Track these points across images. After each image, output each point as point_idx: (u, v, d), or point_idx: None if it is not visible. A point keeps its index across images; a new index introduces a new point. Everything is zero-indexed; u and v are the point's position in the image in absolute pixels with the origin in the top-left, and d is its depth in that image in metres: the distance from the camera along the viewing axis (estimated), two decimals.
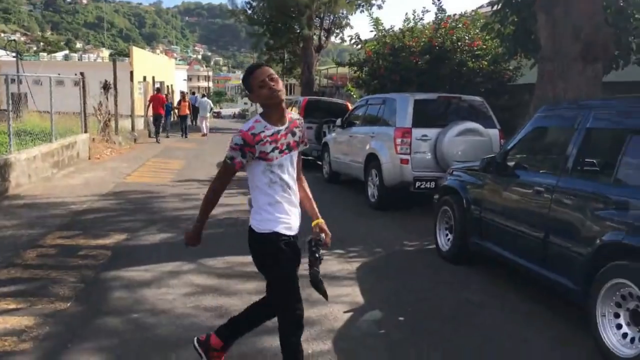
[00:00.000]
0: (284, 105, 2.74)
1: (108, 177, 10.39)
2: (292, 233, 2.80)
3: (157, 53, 59.64)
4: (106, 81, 14.87)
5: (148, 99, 19.75)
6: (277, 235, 2.73)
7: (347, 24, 30.83)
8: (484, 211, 5.19)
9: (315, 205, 3.02)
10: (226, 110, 70.02)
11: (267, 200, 2.74)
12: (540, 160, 4.86)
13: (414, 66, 11.63)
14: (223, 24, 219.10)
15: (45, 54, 54.41)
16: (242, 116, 59.31)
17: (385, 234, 6.95)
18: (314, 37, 29.08)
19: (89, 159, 12.48)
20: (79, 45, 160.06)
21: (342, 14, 30.29)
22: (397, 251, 6.19)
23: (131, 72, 18.41)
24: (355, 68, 13.24)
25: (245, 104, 71.85)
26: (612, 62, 9.18)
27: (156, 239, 6.27)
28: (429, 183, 7.86)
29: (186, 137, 20.82)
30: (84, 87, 12.37)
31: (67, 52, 58.22)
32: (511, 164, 5.04)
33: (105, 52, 79.27)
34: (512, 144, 5.10)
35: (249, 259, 2.95)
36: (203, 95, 33.50)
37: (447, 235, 5.95)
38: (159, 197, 8.72)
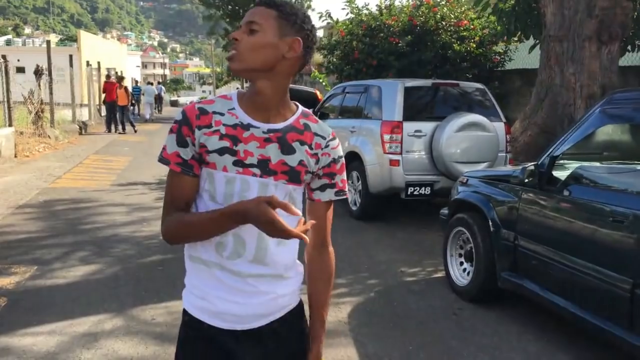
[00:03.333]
0: (262, 84, 1.41)
1: (32, 181, 8.62)
2: (232, 326, 1.46)
3: (109, 39, 56.64)
4: (38, 66, 12.92)
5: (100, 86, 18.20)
6: (189, 318, 1.51)
7: (309, 6, 29.35)
8: (522, 238, 3.81)
9: (324, 318, 1.62)
10: (184, 99, 67.40)
11: (190, 252, 1.50)
12: (615, 172, 3.49)
13: (393, 48, 10.20)
14: (179, 10, 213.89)
15: None
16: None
17: (377, 255, 5.52)
18: None
19: (15, 157, 10.63)
20: (27, 30, 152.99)
21: None
22: (397, 284, 4.76)
23: (70, 56, 16.36)
24: (325, 52, 11.73)
25: (204, 92, 69.40)
26: (628, 42, 7.96)
27: (76, 275, 4.66)
28: (424, 189, 6.46)
29: (123, 131, 17.57)
30: (6, 73, 10.48)
31: (9, 37, 54.12)
32: (560, 174, 3.68)
33: (53, 38, 74.94)
34: (562, 148, 3.72)
35: None
36: (149, 83, 33.26)
37: (462, 264, 4.56)
38: (91, 208, 7.05)
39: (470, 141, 6.35)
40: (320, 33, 22.71)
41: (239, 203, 1.31)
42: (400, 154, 6.40)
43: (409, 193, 6.43)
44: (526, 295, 3.82)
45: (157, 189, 8.43)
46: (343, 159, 1.56)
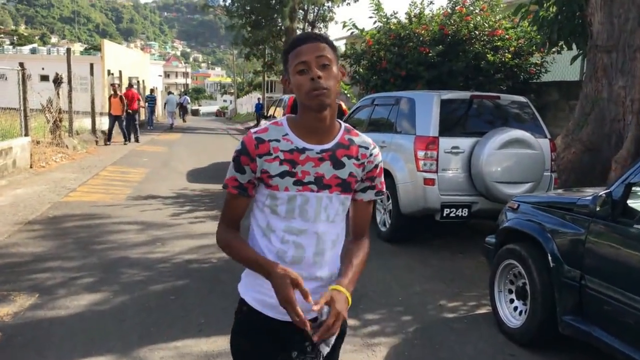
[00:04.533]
0: (327, 112, 1.61)
1: (45, 194, 8.25)
2: (285, 318, 1.60)
3: (133, 48, 57.01)
4: (57, 74, 12.65)
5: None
6: (248, 308, 1.71)
7: (332, 18, 29.06)
8: (591, 278, 3.25)
9: (353, 267, 1.71)
10: (205, 108, 67.51)
11: None
12: None
13: (423, 59, 9.68)
14: (202, 20, 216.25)
15: (10, 47, 51.21)
16: (221, 114, 57.01)
17: (411, 285, 4.98)
18: (297, 30, 27.19)
19: (31, 167, 10.31)
20: (54, 39, 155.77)
21: (327, 6, 28.47)
22: (437, 321, 4.21)
23: (91, 65, 16.08)
24: (351, 61, 11.24)
25: (225, 101, 69.47)
26: None
27: (80, 305, 4.20)
28: (461, 210, 5.92)
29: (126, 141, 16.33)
30: (23, 82, 10.19)
31: (35, 45, 54.78)
32: (636, 204, 3.14)
33: (77, 47, 75.84)
34: None
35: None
36: (169, 92, 33.89)
37: (512, 301, 4.01)
38: (103, 226, 6.63)
39: (513, 159, 5.80)
40: (341, 43, 22.28)
41: (270, 265, 1.57)
42: (436, 172, 5.87)
43: (444, 215, 5.89)
44: (594, 344, 3.27)
45: (173, 204, 8.00)
46: (382, 163, 1.79)
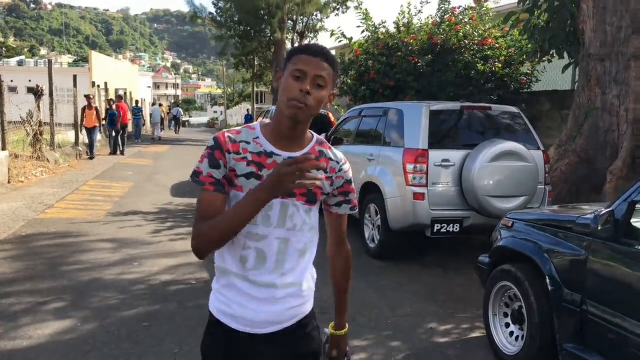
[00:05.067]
0: (300, 126, 1.63)
1: (21, 211, 7.92)
2: (247, 329, 1.64)
3: (122, 60, 56.63)
4: (37, 86, 12.32)
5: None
6: (213, 318, 1.70)
7: (322, 28, 28.95)
8: (593, 303, 3.00)
9: (346, 299, 1.89)
10: (196, 119, 67.08)
11: (218, 263, 1.69)
12: None
13: (412, 69, 9.48)
14: (192, 32, 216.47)
15: None
16: (210, 125, 56.70)
17: (401, 306, 4.71)
18: (287, 41, 27.07)
19: (9, 182, 9.96)
20: (43, 52, 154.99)
21: (316, 16, 28.39)
22: (428, 347, 3.94)
23: (74, 77, 15.73)
24: (339, 72, 11.02)
25: (215, 112, 69.17)
26: None
27: (44, 334, 3.89)
28: (452, 226, 5.67)
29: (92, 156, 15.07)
30: (0, 93, 9.85)
31: (22, 57, 54.12)
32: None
33: (65, 58, 75.24)
34: None
35: None
36: (153, 104, 34.07)
37: (508, 326, 3.75)
38: (78, 245, 6.32)
39: (506, 172, 5.57)
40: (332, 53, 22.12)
41: (252, 191, 1.53)
42: (426, 186, 5.63)
43: (435, 231, 5.64)
44: None
45: (154, 220, 7.70)
46: (352, 178, 1.79)
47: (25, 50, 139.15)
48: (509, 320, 3.75)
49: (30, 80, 27.42)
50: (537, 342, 3.37)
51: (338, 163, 1.73)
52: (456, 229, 5.68)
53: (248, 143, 1.63)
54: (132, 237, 6.72)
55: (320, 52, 1.60)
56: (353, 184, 1.79)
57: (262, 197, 1.48)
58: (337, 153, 1.75)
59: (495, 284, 3.83)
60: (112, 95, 21.83)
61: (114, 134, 16.62)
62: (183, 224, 7.60)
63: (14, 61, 51.37)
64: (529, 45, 8.33)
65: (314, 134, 1.72)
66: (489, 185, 5.52)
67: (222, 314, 1.66)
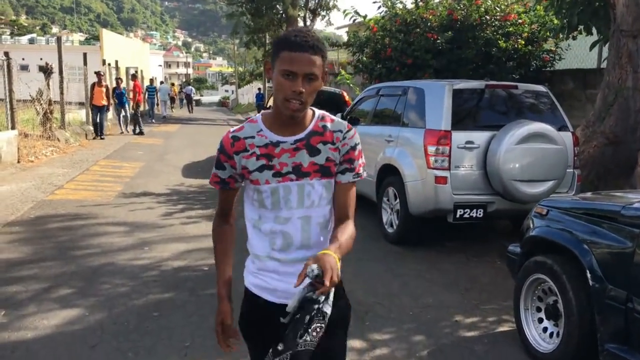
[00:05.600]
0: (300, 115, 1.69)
1: (30, 192, 7.76)
2: (284, 300, 1.62)
3: (133, 38, 56.29)
4: (46, 64, 12.11)
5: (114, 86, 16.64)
6: (250, 292, 1.81)
7: (335, 5, 28.38)
8: (639, 301, 2.75)
9: (338, 240, 1.64)
10: (207, 98, 66.78)
11: (250, 246, 1.83)
12: None
13: (430, 46, 9.13)
14: (203, 10, 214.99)
15: (8, 37, 50.55)
16: (222, 104, 56.38)
17: (422, 296, 4.49)
18: (299, 18, 26.58)
19: (18, 162, 9.82)
20: (55, 30, 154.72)
21: None
22: (454, 342, 3.71)
23: (84, 54, 15.51)
24: (354, 49, 10.69)
25: (226, 91, 68.78)
26: None
27: (50, 325, 3.72)
28: (475, 211, 5.41)
29: (101, 136, 14.72)
30: (9, 72, 9.65)
31: (33, 35, 53.74)
32: None
33: (76, 36, 74.89)
34: None
35: None
36: (161, 82, 33.92)
37: (541, 321, 3.51)
38: (87, 227, 6.14)
39: (534, 155, 5.28)
40: (344, 31, 21.65)
41: (220, 294, 1.79)
42: (448, 169, 5.36)
43: (457, 216, 5.38)
44: None
45: (165, 202, 7.51)
46: (360, 145, 1.79)
47: (37, 28, 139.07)
48: (542, 315, 3.51)
49: (41, 59, 27.14)
50: (575, 340, 3.13)
51: (341, 132, 1.75)
52: (479, 214, 5.41)
53: (253, 138, 1.71)
54: (143, 220, 6.53)
55: (305, 45, 1.58)
56: (359, 150, 1.78)
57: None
58: (340, 122, 1.78)
59: (527, 276, 3.58)
60: (122, 74, 21.64)
61: (122, 113, 16.39)
62: (195, 206, 7.40)
63: (25, 39, 51.21)
64: (556, 21, 7.95)
65: (315, 109, 1.76)
66: (515, 168, 5.23)
67: (258, 289, 1.77)
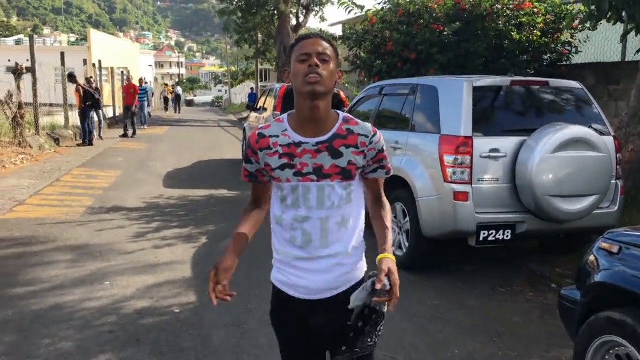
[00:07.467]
0: (320, 103, 1.74)
1: None
2: (304, 296, 1.84)
3: (123, 38, 55.21)
4: (17, 65, 11.13)
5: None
6: (276, 288, 1.93)
7: (328, 1, 27.50)
8: None
9: (388, 235, 1.84)
10: (200, 98, 65.79)
11: (273, 243, 1.91)
12: None
13: (436, 39, 8.22)
14: (196, 10, 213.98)
15: None
16: (214, 104, 55.43)
17: (444, 344, 3.57)
18: (291, 15, 25.70)
19: None
20: (46, 31, 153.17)
21: None
22: None
23: (62, 54, 14.47)
24: (351, 43, 9.76)
25: (219, 91, 67.74)
26: None
27: None
28: (503, 233, 4.49)
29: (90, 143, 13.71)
30: None
31: (21, 36, 52.35)
32: None
33: (64, 37, 73.71)
34: None
35: None
36: (145, 82, 32.04)
37: None
38: (40, 254, 5.19)
39: (573, 165, 4.37)
40: (339, 28, 20.78)
41: (227, 249, 1.82)
42: (470, 183, 4.44)
43: (481, 239, 4.47)
44: None
45: (139, 220, 6.56)
46: (385, 145, 1.86)
47: (28, 30, 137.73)
48: None
49: (27, 60, 26.20)
50: None
51: (367, 137, 1.80)
52: (507, 236, 4.50)
53: (277, 137, 1.80)
54: (109, 242, 5.60)
55: (316, 35, 1.79)
56: (385, 151, 1.85)
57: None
58: (365, 125, 1.83)
59: (595, 337, 2.66)
60: (110, 74, 20.66)
61: (94, 117, 15.02)
62: (172, 223, 6.46)
63: (10, 40, 50.06)
64: (582, 7, 7.03)
65: (340, 112, 1.84)
66: (551, 181, 4.33)
67: (282, 284, 1.88)
